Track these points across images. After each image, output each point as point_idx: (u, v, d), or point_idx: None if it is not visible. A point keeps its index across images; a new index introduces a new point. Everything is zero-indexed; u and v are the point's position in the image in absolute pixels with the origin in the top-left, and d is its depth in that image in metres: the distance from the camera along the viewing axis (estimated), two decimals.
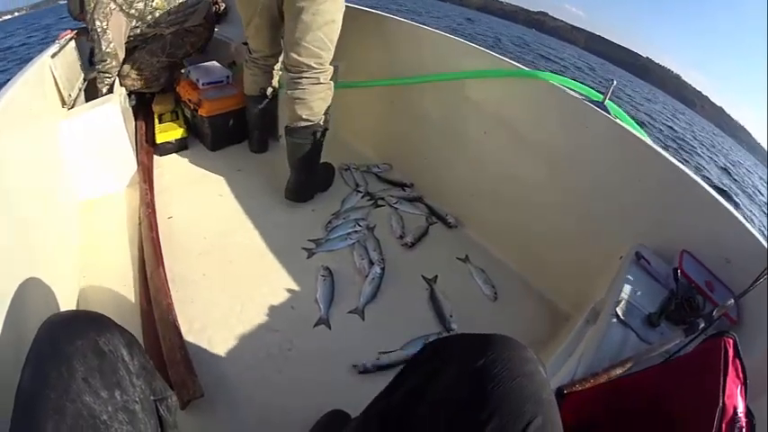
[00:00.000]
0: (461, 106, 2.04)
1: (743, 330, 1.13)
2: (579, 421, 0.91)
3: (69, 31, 2.53)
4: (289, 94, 1.91)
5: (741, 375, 0.78)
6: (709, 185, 1.34)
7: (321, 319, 1.59)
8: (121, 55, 2.34)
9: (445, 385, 0.66)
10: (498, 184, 1.98)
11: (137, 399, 0.73)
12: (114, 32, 2.26)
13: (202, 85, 2.46)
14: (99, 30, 2.22)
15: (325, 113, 1.99)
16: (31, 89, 1.66)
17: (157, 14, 2.39)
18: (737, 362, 0.78)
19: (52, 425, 0.59)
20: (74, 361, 0.66)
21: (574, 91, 1.65)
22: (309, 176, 2.13)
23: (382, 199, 2.22)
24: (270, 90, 2.31)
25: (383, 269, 1.78)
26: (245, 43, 2.18)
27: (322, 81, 1.90)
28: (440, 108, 2.16)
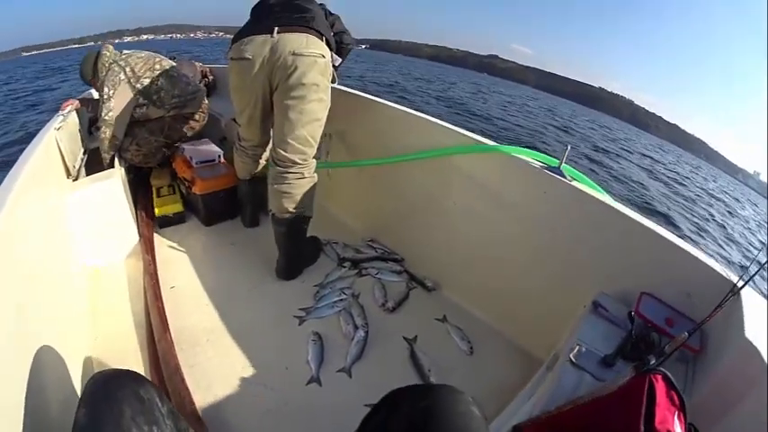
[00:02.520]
0: (434, 180, 2.25)
1: (705, 358, 1.23)
2: None
3: (71, 101, 2.69)
4: (276, 188, 2.08)
5: (677, 403, 0.89)
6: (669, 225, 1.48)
7: (313, 378, 1.74)
8: (121, 127, 2.48)
9: (397, 422, 0.82)
10: (470, 249, 2.17)
11: None
12: (118, 103, 2.43)
13: (196, 163, 2.65)
14: (105, 96, 2.40)
15: (310, 204, 2.17)
16: (40, 162, 1.79)
17: (162, 94, 2.58)
18: (672, 393, 0.90)
19: None
20: (123, 405, 0.85)
21: (533, 159, 1.84)
22: (296, 256, 2.30)
23: (365, 269, 2.39)
24: (260, 173, 2.50)
25: (367, 332, 1.94)
26: (235, 119, 2.33)
27: (306, 176, 2.08)
28: (415, 182, 2.36)
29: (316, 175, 2.15)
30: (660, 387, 0.90)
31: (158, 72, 2.59)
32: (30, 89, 16.81)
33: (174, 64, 2.79)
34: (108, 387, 0.88)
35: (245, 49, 1.91)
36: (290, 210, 2.10)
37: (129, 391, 0.89)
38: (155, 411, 0.92)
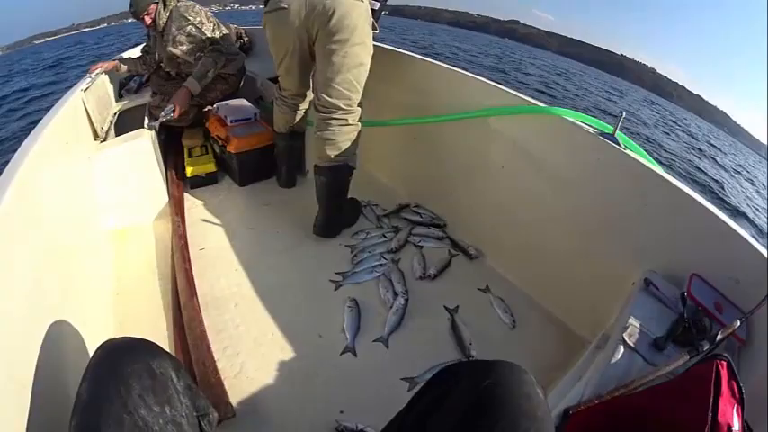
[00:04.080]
0: (480, 142, 2.09)
1: (751, 349, 1.16)
2: None
3: (100, 63, 2.70)
4: (318, 135, 2.00)
5: (737, 395, 0.82)
6: (717, 205, 1.35)
7: (347, 348, 1.63)
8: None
9: (454, 402, 0.72)
10: (516, 216, 2.02)
11: (183, 414, 0.83)
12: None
13: (231, 122, 2.57)
14: (204, 18, 2.56)
15: (353, 153, 2.06)
16: (65, 123, 1.76)
17: (208, 44, 2.59)
18: (733, 383, 0.83)
19: None
20: (131, 380, 0.74)
21: (586, 124, 1.69)
22: (337, 213, 2.20)
23: (408, 235, 2.27)
24: (298, 128, 2.41)
25: (407, 300, 1.82)
26: (271, 79, 2.25)
27: (350, 122, 1.98)
28: (459, 144, 2.23)
29: (360, 124, 2.05)
30: (724, 375, 0.84)
31: (213, 24, 2.64)
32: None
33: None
34: (115, 359, 0.79)
35: (281, 0, 1.86)
36: (333, 158, 2.01)
37: (139, 364, 0.79)
38: (168, 388, 0.82)
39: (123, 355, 0.80)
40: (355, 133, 2.03)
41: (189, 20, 2.47)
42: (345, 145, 2.00)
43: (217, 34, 2.58)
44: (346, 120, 1.97)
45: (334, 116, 1.96)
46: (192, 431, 0.85)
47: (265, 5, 1.95)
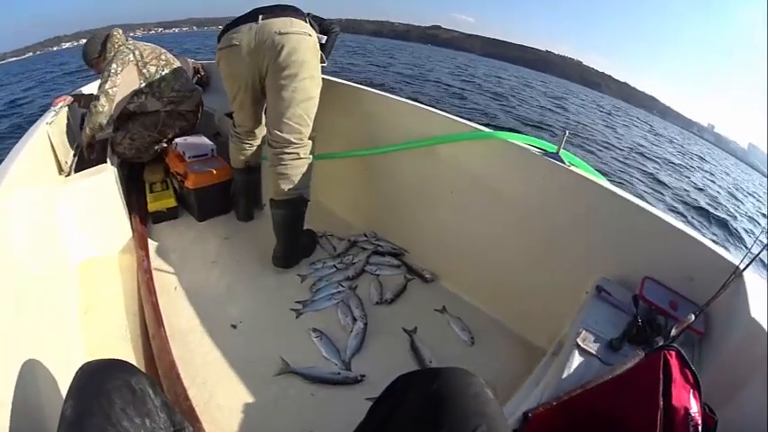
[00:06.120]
0: (429, 169, 2.20)
1: (710, 340, 1.23)
2: None
3: (63, 97, 2.71)
4: (273, 170, 2.08)
5: (692, 381, 0.90)
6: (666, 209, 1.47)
7: (346, 367, 1.74)
8: (119, 105, 2.50)
9: (407, 409, 0.80)
10: (468, 238, 2.12)
11: (162, 427, 0.89)
12: (123, 79, 2.46)
13: (188, 158, 2.61)
14: (112, 71, 2.43)
15: (307, 186, 2.15)
16: (31, 157, 1.79)
17: (162, 86, 2.60)
18: (686, 370, 0.91)
19: None
20: (112, 395, 0.81)
21: (530, 145, 1.80)
22: (294, 244, 2.28)
23: (364, 264, 2.35)
24: (254, 163, 2.49)
25: (366, 324, 1.91)
26: (228, 114, 2.33)
27: (302, 156, 2.07)
28: (409, 172, 2.32)
29: (311, 156, 2.14)
30: (675, 364, 0.91)
31: (163, 63, 2.64)
32: None
33: (178, 60, 2.83)
34: (97, 378, 0.85)
35: (233, 37, 1.95)
36: (288, 192, 2.09)
37: (119, 381, 0.85)
38: (147, 403, 0.88)
39: (104, 373, 0.86)
40: (307, 166, 2.12)
41: (105, 74, 2.46)
42: (299, 178, 2.09)
43: (113, 93, 2.45)
44: (298, 153, 2.06)
45: (287, 150, 2.04)
46: None
47: (219, 42, 2.03)
